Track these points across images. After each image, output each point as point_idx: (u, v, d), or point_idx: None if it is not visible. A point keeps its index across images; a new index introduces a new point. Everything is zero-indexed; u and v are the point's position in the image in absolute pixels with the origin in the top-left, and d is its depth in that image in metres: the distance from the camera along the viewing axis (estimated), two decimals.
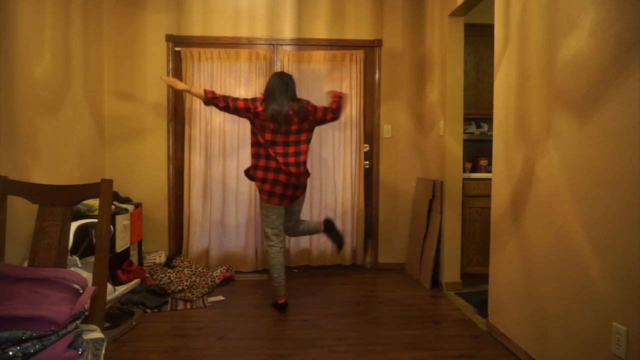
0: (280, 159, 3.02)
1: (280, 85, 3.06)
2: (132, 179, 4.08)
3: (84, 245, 2.88)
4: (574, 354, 2.01)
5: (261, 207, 3.15)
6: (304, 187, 3.17)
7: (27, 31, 2.74)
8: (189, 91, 3.15)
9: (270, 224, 3.12)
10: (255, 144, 3.08)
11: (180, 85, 3.20)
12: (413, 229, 4.15)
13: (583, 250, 1.96)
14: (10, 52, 2.56)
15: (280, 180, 3.02)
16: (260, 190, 3.07)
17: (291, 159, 3.05)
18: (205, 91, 3.05)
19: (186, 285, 3.48)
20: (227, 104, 3.03)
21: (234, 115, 4.12)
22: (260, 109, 3.01)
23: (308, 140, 3.14)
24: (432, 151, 3.96)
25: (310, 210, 4.19)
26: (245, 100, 3.05)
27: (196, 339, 2.68)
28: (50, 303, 1.26)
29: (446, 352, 2.51)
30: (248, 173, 3.17)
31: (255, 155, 3.09)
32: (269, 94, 3.05)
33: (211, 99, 3.03)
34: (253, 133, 3.08)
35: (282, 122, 3.00)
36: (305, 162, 3.13)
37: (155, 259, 4.00)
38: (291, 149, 3.07)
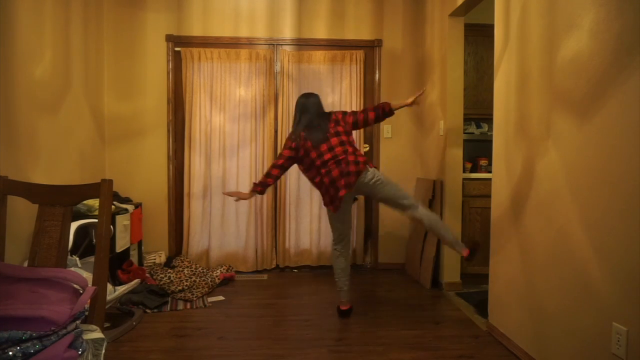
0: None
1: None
2: (132, 179, 4.08)
3: (84, 245, 2.88)
4: (574, 354, 2.01)
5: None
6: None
7: (27, 31, 2.74)
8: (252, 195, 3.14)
9: (334, 229, 3.10)
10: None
11: (244, 195, 3.15)
12: (413, 229, 4.15)
13: (583, 250, 1.96)
14: (10, 52, 2.56)
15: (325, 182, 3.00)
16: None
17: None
18: (256, 186, 3.05)
19: (186, 285, 3.48)
20: (279, 169, 3.04)
21: (234, 116, 4.14)
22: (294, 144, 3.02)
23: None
24: (432, 151, 3.96)
25: (311, 210, 4.19)
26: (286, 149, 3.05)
27: (196, 339, 2.68)
28: (50, 303, 1.26)
29: (446, 352, 2.51)
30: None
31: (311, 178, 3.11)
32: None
33: (265, 183, 3.03)
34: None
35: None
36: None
37: (155, 259, 4.00)
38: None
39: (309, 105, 3.10)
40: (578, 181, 1.99)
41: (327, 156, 2.96)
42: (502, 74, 2.69)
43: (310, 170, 3.04)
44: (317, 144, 2.99)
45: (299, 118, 3.09)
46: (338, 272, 3.06)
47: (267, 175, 3.04)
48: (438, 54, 3.82)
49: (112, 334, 2.63)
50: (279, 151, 4.14)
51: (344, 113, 3.12)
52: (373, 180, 2.97)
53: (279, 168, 3.04)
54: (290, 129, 3.19)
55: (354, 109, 4.19)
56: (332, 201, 2.97)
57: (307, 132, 3.01)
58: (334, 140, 2.99)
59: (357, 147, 3.13)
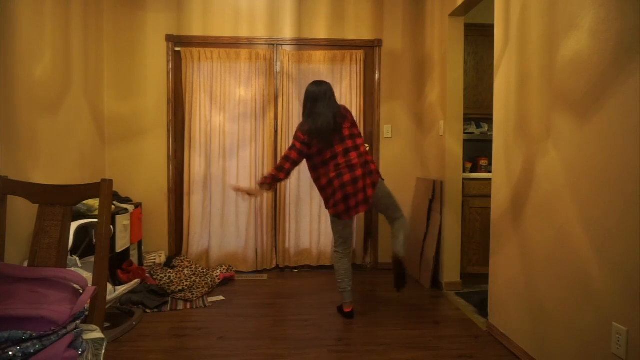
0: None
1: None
2: (132, 179, 4.08)
3: (84, 245, 2.88)
4: (574, 354, 2.01)
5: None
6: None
7: (27, 31, 2.74)
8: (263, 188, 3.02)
9: (339, 233, 3.03)
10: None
11: (253, 192, 3.08)
12: (413, 229, 4.15)
13: (583, 250, 1.96)
14: (10, 52, 2.56)
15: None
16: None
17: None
18: (265, 179, 2.94)
19: (186, 285, 3.48)
20: (291, 163, 2.91)
21: (234, 116, 4.14)
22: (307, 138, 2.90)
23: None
24: (432, 151, 3.96)
25: (311, 210, 4.19)
26: (296, 143, 2.92)
27: (196, 339, 2.68)
28: (50, 303, 1.26)
29: (446, 352, 2.51)
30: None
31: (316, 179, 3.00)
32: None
33: (276, 177, 2.91)
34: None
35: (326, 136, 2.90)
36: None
37: (155, 259, 4.00)
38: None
39: (319, 94, 2.95)
40: (578, 181, 1.99)
41: (341, 160, 2.89)
42: (502, 74, 2.69)
43: (318, 170, 2.95)
44: (331, 144, 2.89)
45: (310, 109, 2.94)
46: (342, 273, 3.01)
47: (280, 169, 2.90)
48: (438, 54, 3.82)
49: (112, 334, 2.63)
50: (279, 151, 4.14)
51: (354, 122, 3.03)
52: (380, 193, 2.98)
53: (291, 163, 2.89)
54: (298, 124, 3.04)
55: (354, 109, 4.19)
56: (348, 210, 2.89)
57: (320, 125, 2.87)
58: (349, 143, 2.93)
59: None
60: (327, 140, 2.90)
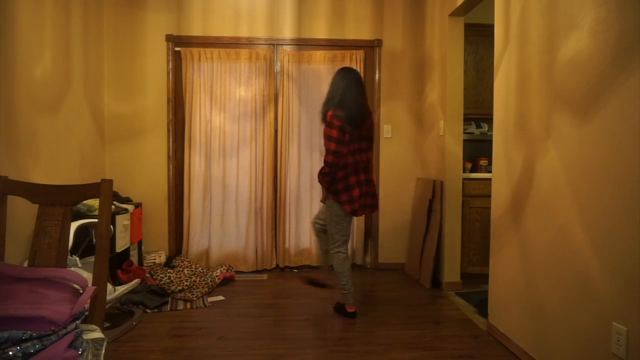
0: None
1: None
2: (132, 179, 4.07)
3: (84, 245, 2.88)
4: (574, 354, 2.01)
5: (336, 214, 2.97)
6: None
7: (27, 31, 2.74)
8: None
9: (342, 231, 3.00)
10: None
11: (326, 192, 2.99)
12: (413, 229, 4.15)
13: (583, 250, 1.96)
14: (10, 52, 2.56)
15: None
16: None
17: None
18: (322, 178, 2.90)
19: (186, 285, 3.48)
20: (332, 154, 2.80)
21: (234, 116, 4.14)
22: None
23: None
24: (432, 151, 3.96)
25: (311, 210, 4.18)
26: (335, 134, 2.81)
27: (196, 339, 2.68)
28: (50, 303, 1.26)
29: (446, 352, 2.51)
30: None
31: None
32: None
33: (322, 171, 2.89)
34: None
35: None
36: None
37: (155, 259, 4.00)
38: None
39: (352, 81, 2.87)
40: (578, 181, 1.99)
41: (358, 158, 2.90)
42: (502, 74, 2.69)
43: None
44: (353, 139, 2.86)
45: (342, 94, 2.83)
46: (346, 274, 2.99)
47: (325, 164, 2.84)
48: (438, 54, 3.82)
49: (112, 334, 2.63)
50: (279, 151, 4.14)
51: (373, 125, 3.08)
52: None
53: (332, 154, 2.79)
54: (326, 111, 2.89)
55: None
56: (363, 208, 2.93)
57: (355, 115, 2.81)
58: (364, 144, 2.96)
59: None
60: (354, 133, 2.86)
